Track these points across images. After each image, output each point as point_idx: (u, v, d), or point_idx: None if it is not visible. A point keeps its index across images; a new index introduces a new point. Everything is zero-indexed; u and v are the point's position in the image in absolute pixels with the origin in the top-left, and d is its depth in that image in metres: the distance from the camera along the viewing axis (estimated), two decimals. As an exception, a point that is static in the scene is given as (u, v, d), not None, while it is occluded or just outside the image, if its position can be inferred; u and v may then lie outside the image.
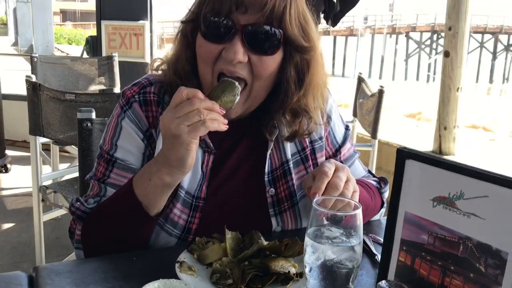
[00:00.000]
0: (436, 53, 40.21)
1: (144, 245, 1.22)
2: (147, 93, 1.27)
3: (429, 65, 40.68)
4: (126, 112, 1.26)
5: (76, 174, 2.48)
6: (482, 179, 0.77)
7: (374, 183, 1.45)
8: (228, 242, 1.11)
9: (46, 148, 3.70)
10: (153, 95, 1.27)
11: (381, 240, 1.14)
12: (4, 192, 4.52)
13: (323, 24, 4.29)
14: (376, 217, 1.45)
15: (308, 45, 1.18)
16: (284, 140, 1.31)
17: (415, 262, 0.88)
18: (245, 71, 1.15)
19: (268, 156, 1.30)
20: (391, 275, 0.92)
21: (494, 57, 43.72)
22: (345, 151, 1.44)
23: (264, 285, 1.01)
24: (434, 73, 35.18)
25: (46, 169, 4.06)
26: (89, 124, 1.66)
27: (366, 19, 46.41)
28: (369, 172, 1.55)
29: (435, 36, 42.83)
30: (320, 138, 1.37)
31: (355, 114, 4.18)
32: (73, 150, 3.41)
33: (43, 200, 2.86)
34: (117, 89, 4.34)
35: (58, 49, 17.95)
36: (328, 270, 0.88)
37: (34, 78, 2.78)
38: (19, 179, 4.71)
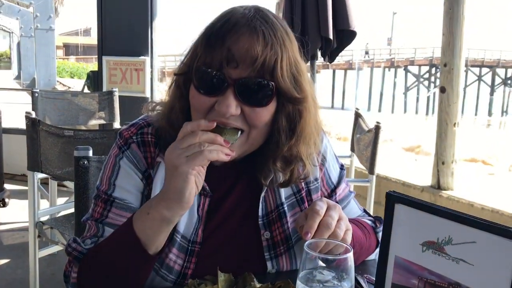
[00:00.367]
0: (435, 87, 40.51)
1: None
2: (145, 134, 1.28)
3: (428, 98, 40.98)
4: (125, 152, 1.27)
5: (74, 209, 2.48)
6: (469, 225, 0.77)
7: (369, 222, 1.45)
8: (221, 284, 1.10)
9: (44, 182, 3.71)
10: (151, 136, 1.28)
11: (375, 282, 1.13)
12: (1, 227, 4.49)
13: (321, 59, 4.36)
14: (371, 257, 1.44)
15: (300, 97, 1.18)
16: (277, 187, 1.31)
17: (407, 307, 0.88)
18: (239, 122, 1.15)
19: (261, 199, 1.30)
20: (383, 319, 0.92)
21: (492, 91, 44.09)
22: (341, 191, 1.44)
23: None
24: (433, 107, 35.34)
25: (44, 204, 4.05)
26: (86, 162, 1.67)
27: (367, 53, 47.03)
28: (365, 211, 1.55)
29: (433, 70, 43.31)
30: (316, 179, 1.37)
31: (352, 149, 4.20)
32: (72, 184, 3.40)
33: (39, 236, 2.85)
34: (117, 124, 4.38)
35: (60, 83, 18.13)
36: (320, 314, 0.88)
37: (33, 114, 2.81)
38: (17, 213, 4.69)
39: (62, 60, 37.98)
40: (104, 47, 5.21)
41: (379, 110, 39.23)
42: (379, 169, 3.85)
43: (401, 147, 10.08)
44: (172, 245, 1.22)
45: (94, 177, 1.65)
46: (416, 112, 39.69)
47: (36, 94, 4.06)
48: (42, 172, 2.85)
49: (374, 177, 3.42)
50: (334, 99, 41.53)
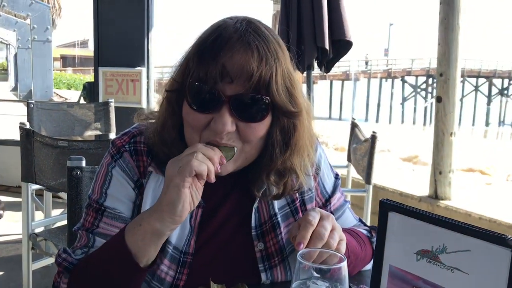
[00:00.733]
0: (432, 97, 40.69)
1: None
2: (137, 142, 1.27)
3: (425, 108, 41.12)
4: (117, 161, 1.25)
5: (68, 221, 2.45)
6: (464, 233, 0.76)
7: (364, 232, 1.43)
8: (213, 295, 1.08)
9: (40, 194, 3.68)
10: (143, 145, 1.26)
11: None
12: (-4, 239, 4.46)
13: (317, 69, 4.36)
14: (367, 267, 1.42)
15: (295, 110, 1.17)
16: (270, 198, 1.29)
17: (402, 317, 0.86)
18: (233, 140, 1.14)
19: (254, 210, 1.28)
20: (377, 330, 0.90)
21: (489, 101, 44.30)
22: (335, 200, 1.42)
23: None
24: (431, 117, 35.45)
25: (40, 215, 4.02)
26: (78, 173, 1.65)
27: (367, 63, 47.24)
28: (360, 221, 1.53)
29: (430, 80, 43.51)
30: (310, 189, 1.35)
31: (349, 159, 4.19)
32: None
33: (33, 248, 2.82)
34: (112, 135, 4.37)
35: (57, 94, 18.14)
36: (313, 326, 0.86)
37: (28, 125, 2.79)
38: (11, 225, 4.65)
39: (60, 72, 38.03)
40: (101, 58, 5.22)
41: (377, 121, 39.32)
42: (377, 179, 3.85)
43: (399, 157, 10.08)
44: (163, 256, 1.20)
45: (87, 188, 1.63)
46: (414, 123, 39.78)
47: (32, 105, 4.05)
48: (36, 183, 2.82)
49: (371, 187, 3.41)
50: (331, 110, 41.62)
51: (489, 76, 46.45)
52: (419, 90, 45.23)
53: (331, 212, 1.27)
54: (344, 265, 0.90)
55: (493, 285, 0.73)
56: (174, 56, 1.22)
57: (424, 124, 37.98)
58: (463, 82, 39.22)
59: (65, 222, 3.02)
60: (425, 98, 43.67)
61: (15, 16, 16.15)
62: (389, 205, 0.87)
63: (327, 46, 3.89)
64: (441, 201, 4.85)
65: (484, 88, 46.25)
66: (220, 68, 1.08)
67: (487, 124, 39.59)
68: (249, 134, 1.14)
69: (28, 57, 15.19)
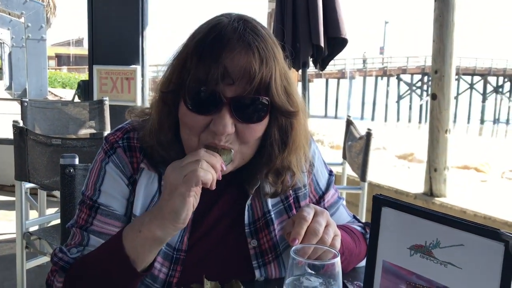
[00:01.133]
0: (427, 95, 40.81)
1: None
2: (131, 138, 1.26)
3: (421, 106, 41.23)
4: (111, 157, 1.24)
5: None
6: (457, 227, 0.76)
7: (358, 228, 1.43)
8: (207, 292, 1.08)
9: (34, 192, 3.66)
10: (136, 141, 1.25)
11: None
12: (-11, 239, 4.44)
13: (312, 67, 4.36)
14: (362, 264, 1.42)
15: (294, 110, 1.17)
16: (267, 198, 1.29)
17: (395, 313, 0.86)
18: (231, 141, 1.13)
19: (247, 207, 1.28)
20: (371, 326, 0.89)
21: (484, 98, 44.46)
22: (329, 197, 1.42)
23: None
24: (426, 115, 35.56)
25: (34, 214, 4.00)
26: (71, 170, 1.64)
27: (364, 61, 47.26)
28: (355, 217, 1.53)
29: (425, 78, 43.61)
30: (304, 186, 1.35)
31: (344, 157, 4.19)
32: (61, 194, 3.36)
33: (27, 247, 2.81)
34: (107, 133, 4.34)
35: (52, 93, 18.05)
36: (307, 322, 0.85)
37: (21, 123, 2.78)
38: (5, 224, 4.63)
39: (54, 71, 37.90)
40: (95, 56, 5.19)
41: (372, 119, 39.40)
42: (372, 176, 3.85)
43: (394, 155, 10.10)
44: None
45: (80, 186, 1.62)
46: (409, 121, 39.90)
47: (25, 104, 4.03)
48: (30, 181, 2.81)
49: (366, 184, 3.41)
50: (327, 108, 41.66)
51: (484, 74, 46.61)
52: (414, 88, 45.34)
53: (325, 209, 1.26)
54: (337, 261, 0.90)
55: (486, 279, 0.73)
56: (169, 54, 1.21)
57: (420, 121, 38.12)
58: (458, 80, 39.35)
59: (59, 220, 3.01)
60: (421, 96, 43.79)
61: (9, 14, 16.06)
62: (382, 200, 0.86)
63: (322, 44, 3.88)
64: (436, 198, 4.87)
65: (479, 86, 46.42)
66: (222, 70, 1.07)
67: (482, 121, 39.74)
68: (248, 135, 1.14)
69: (22, 55, 15.10)
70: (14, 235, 2.91)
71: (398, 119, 40.09)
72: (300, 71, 4.19)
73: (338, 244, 1.14)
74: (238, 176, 1.27)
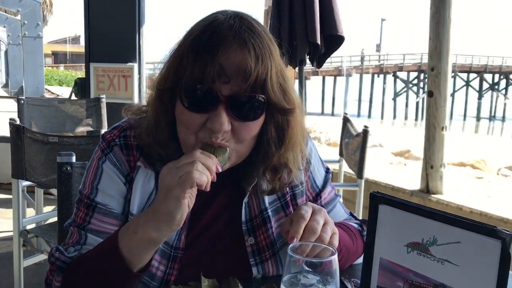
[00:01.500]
0: (424, 92, 40.85)
1: None
2: (128, 136, 1.26)
3: (417, 104, 41.28)
4: (108, 155, 1.24)
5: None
6: (454, 224, 0.76)
7: (355, 225, 1.44)
8: (204, 290, 1.08)
9: (31, 190, 3.65)
10: (133, 139, 1.25)
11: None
12: (-13, 237, 4.43)
13: (309, 64, 4.36)
14: (359, 261, 1.42)
15: (290, 107, 1.17)
16: (264, 195, 1.29)
17: (392, 310, 0.86)
18: (227, 139, 1.13)
19: (244, 205, 1.28)
20: (368, 323, 0.90)
21: (480, 96, 44.56)
22: (326, 194, 1.43)
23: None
24: (422, 112, 35.61)
25: (31, 212, 3.99)
26: (68, 168, 1.64)
27: (363, 59, 47.25)
28: (351, 214, 1.53)
29: (422, 75, 43.64)
30: (301, 183, 1.35)
31: (341, 154, 4.20)
32: (58, 192, 3.36)
33: (24, 245, 2.80)
34: (104, 131, 4.33)
35: (49, 91, 18.00)
36: (304, 319, 0.86)
37: (18, 121, 2.77)
38: (2, 222, 4.62)
39: (51, 68, 37.76)
40: (92, 54, 5.17)
41: (369, 116, 39.43)
42: (369, 174, 3.85)
43: (391, 152, 10.12)
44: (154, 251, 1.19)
45: (77, 183, 1.62)
46: (406, 118, 39.95)
47: (22, 101, 4.01)
48: (26, 179, 2.80)
49: (363, 181, 3.42)
50: (323, 105, 41.68)
51: (480, 71, 46.69)
52: (410, 85, 45.38)
53: (322, 206, 1.27)
54: (334, 258, 0.90)
55: (483, 276, 0.74)
56: (165, 51, 1.20)
57: (416, 119, 38.18)
58: (454, 77, 39.40)
59: (56, 218, 3.00)
60: (417, 93, 43.82)
61: (5, 12, 16.00)
62: (379, 198, 0.86)
63: (319, 41, 3.88)
64: (432, 195, 4.88)
65: (475, 83, 46.52)
66: (218, 68, 1.07)
67: (478, 119, 39.83)
68: (244, 132, 1.14)
69: (19, 53, 15.05)
70: (11, 233, 2.90)
71: (394, 117, 40.15)
72: (297, 68, 4.19)
73: (336, 242, 1.14)
74: (235, 174, 1.27)
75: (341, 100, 40.09)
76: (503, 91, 47.01)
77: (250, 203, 1.30)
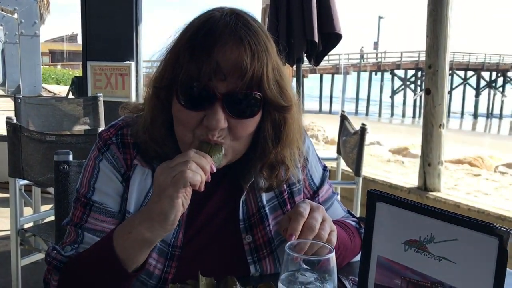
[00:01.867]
0: (421, 90, 40.85)
1: None
2: (124, 135, 1.25)
3: (415, 101, 41.31)
4: (104, 153, 1.24)
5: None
6: (451, 222, 0.76)
7: (353, 223, 1.44)
8: (202, 288, 1.08)
9: (28, 189, 3.65)
10: (130, 137, 1.25)
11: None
12: (-16, 236, 4.41)
13: (307, 62, 4.36)
14: (356, 258, 1.42)
15: (287, 105, 1.17)
16: (261, 192, 1.29)
17: (390, 308, 0.86)
18: (224, 137, 1.13)
19: (241, 203, 1.28)
20: (366, 321, 0.90)
21: (478, 93, 44.62)
22: (323, 192, 1.43)
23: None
24: (420, 110, 35.64)
25: (29, 212, 3.98)
26: (66, 167, 1.64)
27: (362, 56, 47.26)
28: (349, 212, 1.53)
29: (419, 73, 43.67)
30: (298, 181, 1.36)
31: (339, 152, 4.20)
32: (55, 191, 3.35)
33: (21, 244, 2.80)
34: (101, 129, 4.32)
35: (46, 89, 17.98)
36: (302, 317, 0.86)
37: (15, 120, 2.76)
38: (0, 221, 4.61)
39: (48, 67, 37.64)
40: (89, 52, 5.16)
41: (367, 114, 39.45)
42: (366, 171, 3.85)
43: (389, 150, 10.14)
44: (151, 250, 1.19)
45: (75, 182, 1.62)
46: (403, 115, 39.98)
47: (19, 100, 4.00)
48: (24, 178, 2.80)
49: (361, 179, 3.42)
50: (321, 103, 41.68)
51: (478, 69, 46.73)
52: (408, 83, 45.40)
53: (319, 204, 1.27)
54: (332, 256, 0.90)
55: (480, 273, 0.74)
56: (162, 48, 1.19)
57: (414, 116, 38.20)
58: (451, 75, 39.44)
59: (54, 217, 2.99)
60: (414, 91, 43.84)
61: (1, 10, 15.95)
62: (377, 195, 0.86)
63: (316, 39, 3.88)
64: (430, 193, 4.88)
65: (473, 81, 46.57)
66: (214, 65, 1.07)
67: (475, 116, 39.88)
68: (240, 130, 1.14)
69: (16, 52, 15.00)
70: (9, 232, 2.90)
71: (392, 114, 40.17)
72: (294, 66, 4.19)
73: (334, 239, 1.15)
74: (233, 171, 1.27)
75: (339, 98, 40.12)
76: (500, 89, 47.06)
77: (248, 201, 1.30)
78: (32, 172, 2.74)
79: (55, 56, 49.96)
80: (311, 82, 44.90)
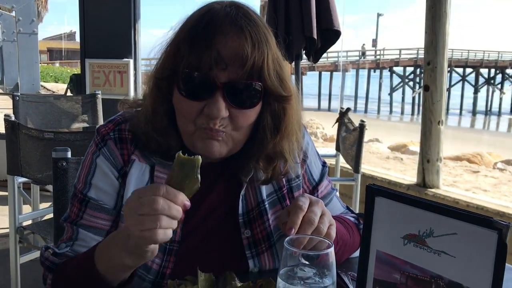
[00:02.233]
0: (420, 87, 40.86)
1: None
2: (122, 130, 1.25)
3: (413, 98, 41.32)
4: (101, 149, 1.24)
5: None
6: (450, 216, 0.76)
7: (352, 219, 1.44)
8: (201, 284, 1.08)
9: (27, 187, 3.64)
10: (128, 132, 1.25)
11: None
12: (-17, 234, 4.41)
13: (305, 59, 4.36)
14: (355, 254, 1.42)
15: (286, 95, 1.18)
16: (259, 184, 1.29)
17: (389, 302, 0.86)
18: (225, 126, 1.14)
19: (241, 197, 1.28)
20: (365, 316, 0.90)
21: (476, 90, 44.63)
22: (323, 188, 1.43)
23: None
24: (419, 107, 35.66)
25: (28, 209, 3.98)
26: (64, 164, 1.63)
27: (363, 53, 47.25)
28: (348, 208, 1.53)
29: (418, 70, 43.66)
30: (297, 177, 1.36)
31: (338, 149, 4.20)
32: (54, 189, 3.34)
33: (20, 242, 2.80)
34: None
35: (44, 87, 17.95)
36: (301, 312, 0.86)
37: (13, 117, 2.76)
38: (-2, 219, 4.61)
39: (47, 65, 37.58)
40: (87, 50, 5.15)
41: (365, 111, 39.47)
42: (365, 168, 3.85)
43: (388, 147, 10.15)
44: None
45: (73, 179, 1.61)
46: (402, 113, 40.00)
47: (17, 98, 4.00)
48: (22, 176, 2.79)
49: (360, 175, 3.42)
50: (320, 101, 41.68)
51: (476, 66, 46.74)
52: (407, 80, 45.40)
53: None
54: (331, 251, 0.90)
55: (479, 267, 0.74)
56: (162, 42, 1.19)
57: (412, 114, 38.22)
58: (450, 72, 39.42)
59: (52, 215, 2.99)
60: (413, 88, 43.84)
61: (-1, 8, 15.91)
62: (375, 190, 0.86)
63: (315, 36, 3.88)
64: (429, 189, 4.89)
65: (471, 78, 46.58)
66: (215, 54, 1.08)
67: (474, 113, 39.91)
68: (241, 120, 1.14)
69: (14, 50, 14.98)
70: (7, 230, 2.90)
71: (391, 111, 40.19)
72: (293, 63, 4.19)
73: (333, 233, 1.15)
74: (232, 165, 1.27)
75: (337, 95, 40.11)
76: (499, 86, 47.09)
77: (247, 195, 1.30)
78: (31, 169, 2.73)
79: (53, 54, 49.89)
80: (310, 80, 44.94)
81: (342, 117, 4.01)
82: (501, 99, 44.38)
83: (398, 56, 46.19)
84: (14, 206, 2.77)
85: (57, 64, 41.21)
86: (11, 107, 4.03)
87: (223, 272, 1.13)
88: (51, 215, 3.05)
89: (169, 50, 1.17)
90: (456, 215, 0.76)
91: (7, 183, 2.82)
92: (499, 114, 40.40)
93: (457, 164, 7.56)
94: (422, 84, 5.26)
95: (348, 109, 4.02)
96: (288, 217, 1.10)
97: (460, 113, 39.42)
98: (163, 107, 1.19)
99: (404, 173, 5.78)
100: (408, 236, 0.82)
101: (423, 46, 4.85)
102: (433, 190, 4.87)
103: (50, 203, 3.87)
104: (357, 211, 3.04)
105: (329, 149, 5.12)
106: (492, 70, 47.59)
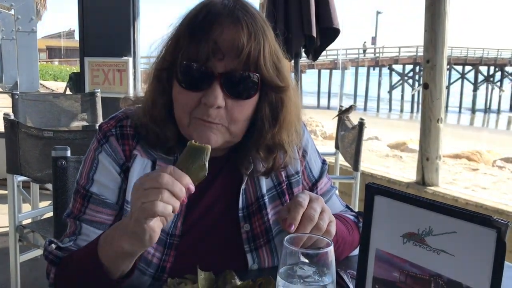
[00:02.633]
0: (419, 85, 40.84)
1: None
2: (124, 126, 1.27)
3: (413, 96, 41.31)
4: (103, 145, 1.25)
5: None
6: (449, 214, 0.76)
7: (351, 217, 1.44)
8: (201, 283, 1.08)
9: (27, 186, 3.64)
10: (130, 128, 1.26)
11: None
12: (-17, 233, 4.41)
13: (305, 58, 4.35)
14: (355, 252, 1.43)
15: (283, 85, 1.19)
16: (259, 176, 1.30)
17: (389, 301, 0.86)
18: (221, 118, 1.15)
19: (241, 191, 1.29)
20: (365, 314, 0.90)
21: (475, 88, 44.63)
22: (322, 185, 1.43)
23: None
24: (418, 105, 35.65)
25: (27, 208, 3.98)
26: (63, 163, 1.64)
27: (364, 51, 47.23)
28: (347, 206, 1.54)
29: (417, 68, 43.63)
30: (297, 173, 1.37)
31: (337, 147, 4.20)
32: (53, 187, 3.34)
33: (20, 240, 2.80)
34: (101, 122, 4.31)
35: (43, 86, 17.94)
36: (301, 311, 0.86)
37: (12, 116, 2.76)
38: (-2, 218, 4.61)
39: (46, 63, 37.55)
40: (86, 48, 5.15)
41: (365, 109, 39.45)
42: (365, 166, 3.86)
43: (387, 144, 10.15)
44: None
45: (73, 178, 1.62)
46: (401, 111, 39.98)
47: (16, 96, 4.00)
48: (22, 174, 2.79)
49: (359, 174, 3.43)
50: (319, 99, 41.68)
51: (476, 64, 46.72)
52: (406, 78, 45.37)
53: None
54: (330, 249, 0.90)
55: (478, 266, 0.74)
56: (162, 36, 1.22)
57: (412, 111, 38.21)
58: (449, 69, 39.45)
59: (52, 214, 3.00)
60: (412, 86, 43.82)
61: (-2, 6, 15.88)
62: (375, 189, 0.86)
63: (314, 34, 3.88)
64: (428, 187, 4.90)
65: (471, 76, 46.56)
66: (212, 45, 1.10)
67: (473, 111, 39.91)
68: (237, 112, 1.16)
69: (13, 48, 14.95)
70: (7, 229, 2.90)
71: (390, 109, 40.18)
72: (292, 61, 4.19)
73: (333, 230, 1.15)
74: (232, 160, 1.28)
75: (337, 93, 40.09)
76: (498, 83, 47.08)
77: (247, 190, 1.31)
78: (30, 168, 2.73)
79: (53, 53, 49.83)
80: (309, 78, 44.91)
81: (346, 113, 4.01)
82: (500, 96, 44.35)
83: (397, 54, 46.15)
84: (14, 205, 2.78)
85: (56, 63, 41.19)
86: (10, 105, 4.03)
87: (223, 269, 1.14)
88: (50, 214, 3.04)
89: (169, 43, 1.19)
90: (456, 214, 0.76)
91: (6, 182, 2.82)
92: (498, 111, 40.37)
93: (456, 162, 7.57)
94: (421, 82, 5.26)
95: (353, 106, 4.03)
96: (288, 214, 1.10)
97: (460, 111, 39.38)
98: (163, 99, 1.20)
99: (404, 171, 5.79)
100: (408, 235, 0.82)
101: (422, 44, 4.85)
102: (432, 188, 4.88)
103: (50, 201, 3.87)
104: (356, 209, 3.04)
105: (329, 147, 5.12)
106: (492, 68, 47.56)
